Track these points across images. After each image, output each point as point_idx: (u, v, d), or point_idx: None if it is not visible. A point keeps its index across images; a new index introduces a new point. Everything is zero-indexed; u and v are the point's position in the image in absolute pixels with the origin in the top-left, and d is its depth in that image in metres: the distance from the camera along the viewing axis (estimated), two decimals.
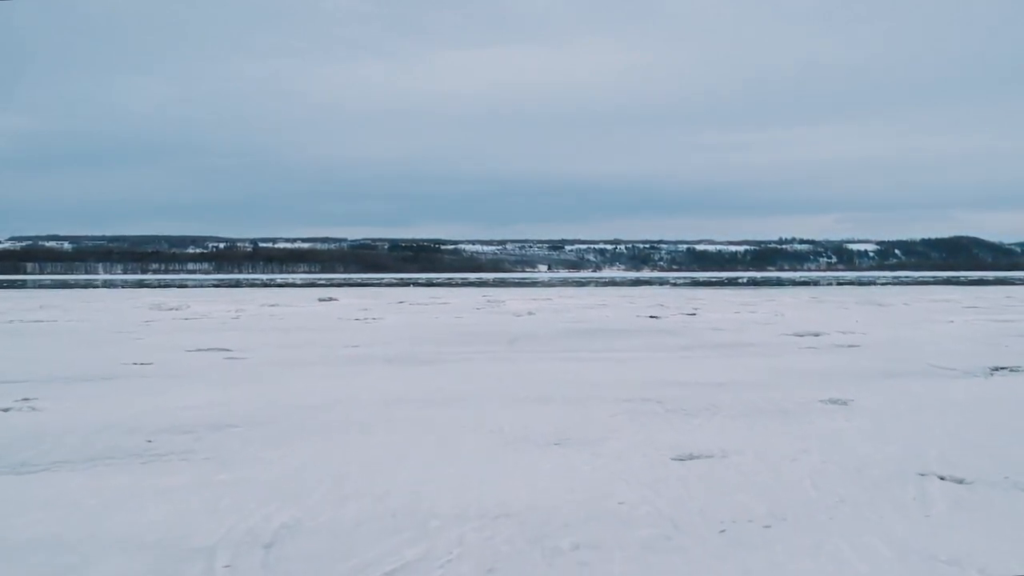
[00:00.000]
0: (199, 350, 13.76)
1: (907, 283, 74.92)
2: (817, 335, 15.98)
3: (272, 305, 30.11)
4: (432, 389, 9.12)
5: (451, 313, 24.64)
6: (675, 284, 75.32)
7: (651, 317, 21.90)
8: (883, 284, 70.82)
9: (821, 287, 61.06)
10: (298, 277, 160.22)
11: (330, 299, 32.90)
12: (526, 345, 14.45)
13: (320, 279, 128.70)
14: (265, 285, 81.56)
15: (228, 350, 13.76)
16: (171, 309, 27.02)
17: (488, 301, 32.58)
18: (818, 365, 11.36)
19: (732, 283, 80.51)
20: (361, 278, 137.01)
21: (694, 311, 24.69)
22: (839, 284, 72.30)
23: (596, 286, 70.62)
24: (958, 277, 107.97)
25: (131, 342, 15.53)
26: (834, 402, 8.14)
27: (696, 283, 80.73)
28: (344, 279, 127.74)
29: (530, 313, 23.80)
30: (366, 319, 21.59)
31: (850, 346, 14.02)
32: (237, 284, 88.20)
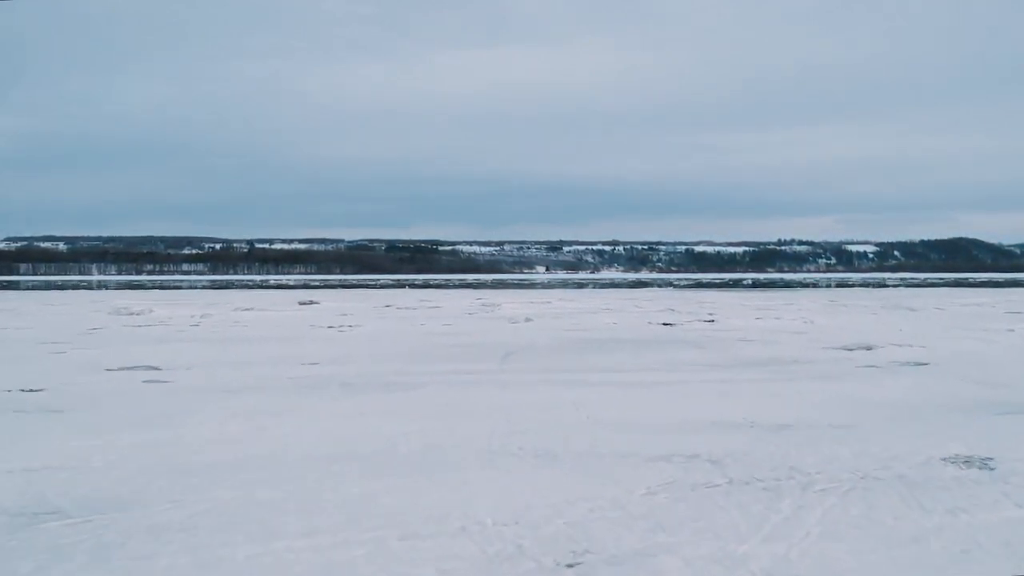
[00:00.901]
0: (122, 369, 11.21)
1: (918, 285, 72.44)
2: (869, 349, 13.42)
3: (246, 309, 27.53)
4: (390, 437, 6.55)
5: (440, 319, 22.08)
6: (678, 286, 72.73)
7: (664, 324, 19.35)
8: (894, 286, 68.33)
9: (834, 290, 58.50)
10: (291, 278, 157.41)
11: (311, 302, 30.33)
12: (522, 361, 11.89)
13: (314, 280, 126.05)
14: (258, 286, 78.93)
15: (156, 369, 11.22)
16: (131, 314, 24.46)
17: (482, 305, 30.01)
18: (897, 393, 8.81)
19: (737, 285, 77.96)
20: (356, 279, 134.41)
21: (711, 317, 22.13)
22: (850, 286, 69.77)
23: (597, 288, 68.06)
24: (967, 279, 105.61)
25: (50, 357, 12.96)
26: (967, 463, 5.60)
27: (700, 285, 78.18)
28: (340, 280, 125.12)
29: (527, 319, 21.25)
30: (341, 327, 19.02)
31: (917, 364, 11.48)
32: (227, 286, 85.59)
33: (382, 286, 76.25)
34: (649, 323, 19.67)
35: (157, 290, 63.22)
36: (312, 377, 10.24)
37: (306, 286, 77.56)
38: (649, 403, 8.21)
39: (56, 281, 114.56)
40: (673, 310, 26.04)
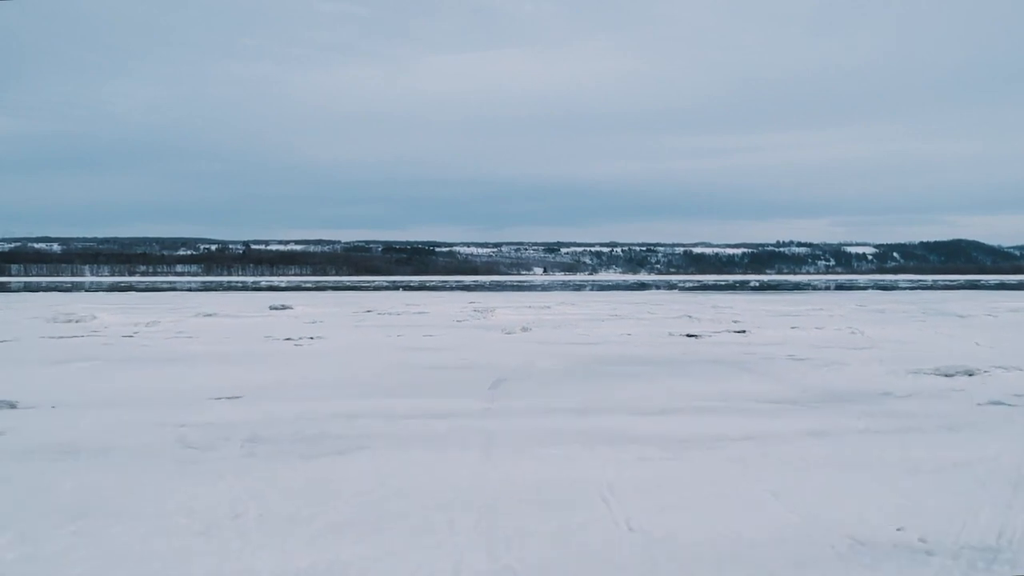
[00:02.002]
0: None
1: (934, 288, 69.39)
2: (971, 374, 10.26)
3: (208, 315, 24.32)
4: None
5: (423, 328, 18.91)
6: (683, 288, 69.46)
7: (688, 336, 16.19)
8: (909, 288, 65.28)
9: (851, 292, 55.28)
10: (283, 280, 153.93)
11: (283, 307, 27.11)
12: (515, 396, 8.72)
13: (306, 282, 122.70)
14: (247, 288, 75.51)
15: (12, 406, 8.07)
16: (69, 321, 21.25)
17: (475, 310, 26.82)
18: None
19: (744, 287, 74.83)
20: (349, 281, 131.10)
21: (738, 326, 18.97)
22: (862, 288, 66.66)
23: (598, 290, 64.88)
24: (978, 281, 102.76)
25: None
26: None
27: (705, 287, 74.98)
28: (334, 282, 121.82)
29: (524, 329, 18.07)
30: (301, 339, 15.83)
31: None
32: (214, 288, 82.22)
33: (375, 288, 73.00)
34: (669, 334, 16.50)
35: (136, 292, 59.94)
36: (212, 426, 7.06)
37: (297, 288, 74.28)
38: (728, 489, 5.06)
39: (32, 283, 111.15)
40: (690, 316, 22.87)
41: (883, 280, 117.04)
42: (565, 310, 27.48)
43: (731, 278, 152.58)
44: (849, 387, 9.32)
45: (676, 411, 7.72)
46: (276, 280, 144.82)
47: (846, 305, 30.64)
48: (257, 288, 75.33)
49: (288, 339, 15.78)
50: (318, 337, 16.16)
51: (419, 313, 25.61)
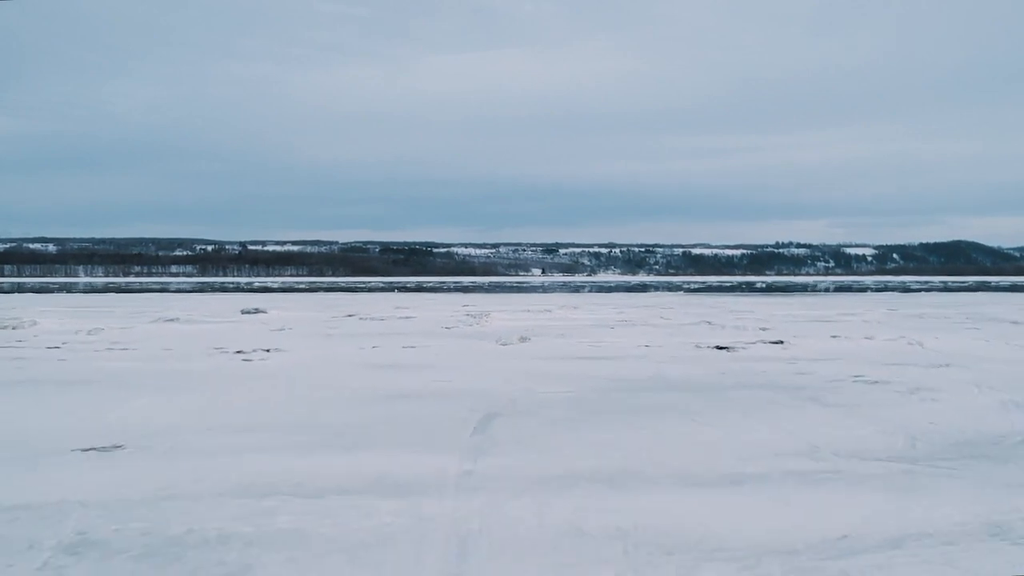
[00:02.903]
0: None
1: (950, 290, 66.87)
2: None
3: (169, 320, 21.70)
4: None
5: (405, 338, 16.33)
6: (688, 289, 66.82)
7: (718, 348, 13.59)
8: (923, 291, 62.76)
9: (870, 295, 52.68)
10: (278, 281, 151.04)
11: (256, 311, 24.48)
12: (506, 446, 6.13)
13: (300, 283, 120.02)
14: (240, 290, 72.73)
15: None
16: (3, 328, 18.64)
17: (467, 314, 24.24)
18: None
19: (752, 288, 72.30)
20: (345, 282, 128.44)
21: (770, 334, 16.39)
22: (875, 290, 64.12)
23: (600, 292, 62.28)
24: (988, 283, 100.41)
25: None
26: None
27: (710, 288, 72.41)
28: (329, 283, 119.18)
29: (522, 339, 15.47)
30: (254, 352, 13.21)
31: None
32: (202, 289, 79.50)
33: (369, 289, 70.31)
34: (696, 345, 13.89)
35: (117, 293, 57.29)
36: (29, 512, 4.46)
37: (290, 289, 71.54)
38: None
39: (10, 284, 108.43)
40: (710, 323, 20.27)
41: (891, 281, 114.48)
42: (567, 315, 24.89)
43: (735, 279, 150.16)
44: (969, 429, 6.74)
45: (756, 480, 5.12)
46: (270, 281, 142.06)
47: (876, 309, 28.05)
48: (249, 289, 72.60)
49: (240, 352, 13.15)
50: (276, 349, 13.54)
51: (405, 318, 23.00)
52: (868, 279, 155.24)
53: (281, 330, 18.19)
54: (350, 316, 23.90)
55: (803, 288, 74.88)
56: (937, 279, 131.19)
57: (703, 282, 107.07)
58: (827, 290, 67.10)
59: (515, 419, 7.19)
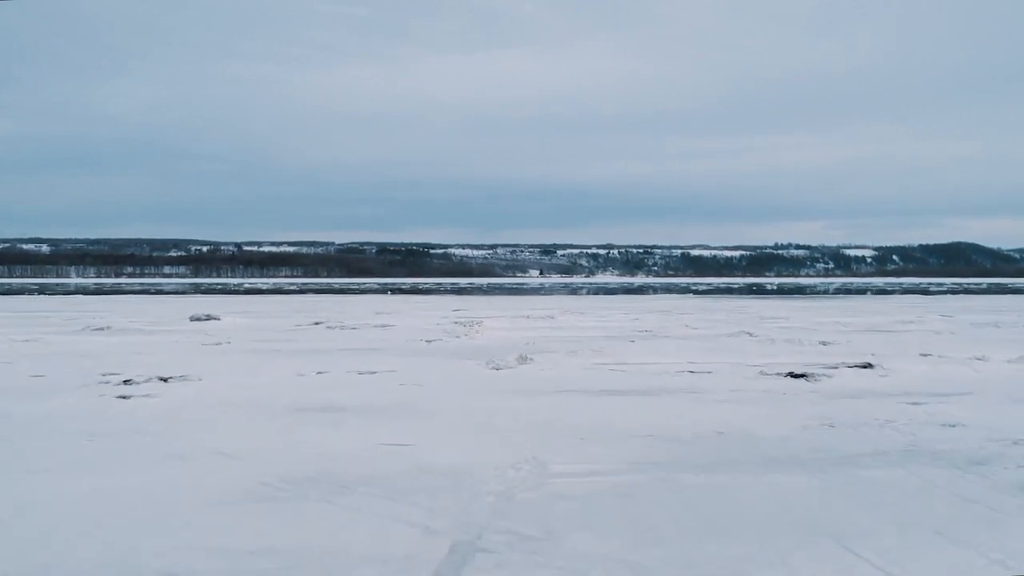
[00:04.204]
0: None
1: (966, 291, 63.30)
2: None
3: (98, 329, 17.98)
4: None
5: (372, 356, 12.65)
6: (698, 292, 63.07)
7: (792, 376, 9.90)
8: (941, 293, 59.18)
9: (901, 298, 48.95)
10: (271, 282, 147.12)
11: (207, 318, 20.76)
12: None
13: (291, 284, 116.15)
14: (229, 291, 68.82)
15: None
16: None
17: (456, 322, 20.57)
18: None
19: (762, 290, 68.69)
20: (340, 283, 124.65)
21: (841, 350, 12.71)
22: (890, 293, 60.51)
23: (603, 294, 58.58)
24: (999, 284, 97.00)
25: None
26: None
27: (718, 291, 68.80)
28: (322, 284, 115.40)
29: (522, 359, 11.76)
30: (151, 383, 9.50)
31: None
32: (190, 290, 75.67)
33: (362, 291, 66.51)
34: (762, 372, 10.18)
35: (96, 295, 53.53)
36: None
37: (280, 291, 67.70)
38: None
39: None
40: (750, 333, 16.58)
41: (905, 283, 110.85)
42: (574, 321, 21.20)
43: (740, 280, 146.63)
44: None
45: None
46: (261, 283, 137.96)
47: (926, 316, 24.36)
48: (228, 291, 68.72)
49: (127, 382, 9.42)
50: (181, 378, 9.81)
51: (382, 326, 19.28)
52: (877, 280, 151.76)
53: (217, 344, 14.48)
54: (316, 324, 20.19)
55: (816, 290, 71.25)
56: (948, 281, 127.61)
57: (710, 284, 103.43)
58: (841, 292, 63.48)
59: (512, 555, 3.50)
